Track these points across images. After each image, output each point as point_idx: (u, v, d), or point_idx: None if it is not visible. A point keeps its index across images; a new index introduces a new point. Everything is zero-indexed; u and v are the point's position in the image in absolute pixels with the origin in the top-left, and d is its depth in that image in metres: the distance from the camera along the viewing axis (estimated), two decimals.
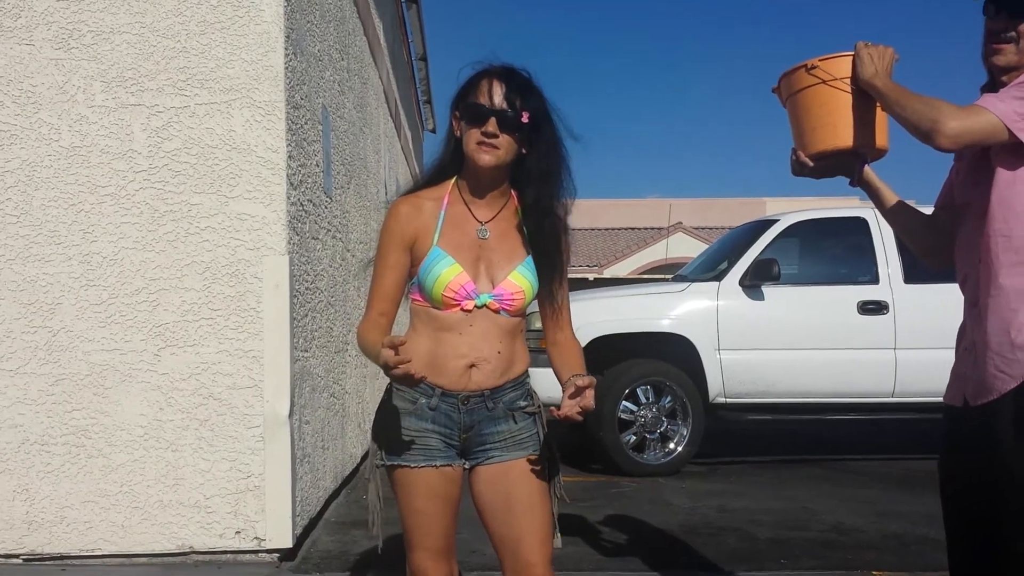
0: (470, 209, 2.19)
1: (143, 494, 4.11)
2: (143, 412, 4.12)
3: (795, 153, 2.36)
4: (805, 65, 2.31)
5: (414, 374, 1.93)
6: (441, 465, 2.15)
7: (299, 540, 4.33)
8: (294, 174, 4.38)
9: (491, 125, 2.09)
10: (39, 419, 4.10)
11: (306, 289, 4.66)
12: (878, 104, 2.24)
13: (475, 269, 2.15)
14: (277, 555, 4.16)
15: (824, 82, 2.27)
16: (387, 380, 2.08)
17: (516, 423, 2.19)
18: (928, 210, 2.46)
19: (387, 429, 2.18)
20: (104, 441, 4.11)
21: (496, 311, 2.14)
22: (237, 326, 4.15)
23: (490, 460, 2.18)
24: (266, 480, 4.13)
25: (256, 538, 4.14)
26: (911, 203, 2.54)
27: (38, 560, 4.09)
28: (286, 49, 4.25)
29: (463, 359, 2.13)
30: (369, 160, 7.55)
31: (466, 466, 2.20)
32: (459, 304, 2.12)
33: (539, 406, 2.25)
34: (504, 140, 2.11)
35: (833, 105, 2.27)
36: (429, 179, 2.25)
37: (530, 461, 2.19)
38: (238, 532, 4.14)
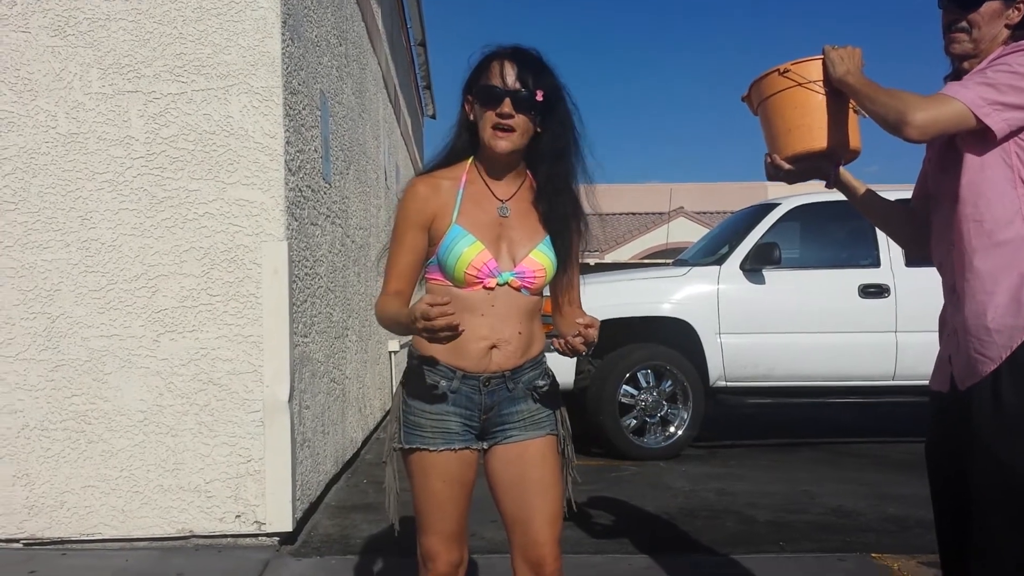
0: (489, 187, 2.17)
1: (143, 479, 4.14)
2: (143, 397, 4.13)
3: (770, 156, 2.37)
4: (778, 69, 2.33)
5: (457, 324, 1.87)
6: (460, 449, 2.14)
7: (299, 524, 4.35)
8: (292, 160, 4.38)
9: (506, 106, 2.07)
10: (39, 405, 4.12)
11: (305, 275, 4.66)
12: (850, 106, 2.28)
13: (496, 247, 2.13)
14: (277, 539, 4.18)
15: (799, 84, 2.29)
16: (395, 371, 2.07)
17: (535, 403, 2.19)
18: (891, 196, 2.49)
19: (406, 412, 2.17)
20: (104, 426, 4.13)
21: (517, 289, 2.13)
22: (236, 312, 4.16)
23: (508, 439, 2.18)
24: (266, 464, 4.15)
25: (256, 522, 4.16)
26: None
27: (38, 544, 4.12)
28: (283, 34, 4.24)
29: (484, 341, 2.11)
30: (368, 146, 7.54)
31: (484, 447, 2.19)
32: (481, 282, 2.10)
33: (557, 385, 2.25)
34: (519, 121, 2.09)
35: (807, 107, 2.30)
36: (445, 160, 2.23)
37: (546, 441, 2.19)
38: (238, 516, 4.16)
